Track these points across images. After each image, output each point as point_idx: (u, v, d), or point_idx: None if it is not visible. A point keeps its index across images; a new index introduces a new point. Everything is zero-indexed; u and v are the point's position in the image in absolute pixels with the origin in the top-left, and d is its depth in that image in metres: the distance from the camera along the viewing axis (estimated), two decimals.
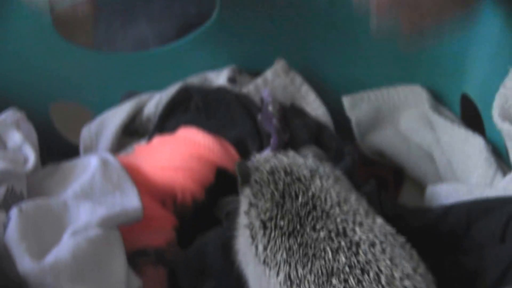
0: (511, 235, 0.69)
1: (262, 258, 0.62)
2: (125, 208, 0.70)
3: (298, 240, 0.60)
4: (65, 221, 0.68)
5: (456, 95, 0.95)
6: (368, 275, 0.57)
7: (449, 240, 0.73)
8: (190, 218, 0.80)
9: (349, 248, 0.59)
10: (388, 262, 0.58)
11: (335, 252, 0.58)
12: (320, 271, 0.58)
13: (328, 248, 0.59)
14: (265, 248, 0.61)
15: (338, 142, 0.88)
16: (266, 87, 0.96)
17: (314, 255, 0.59)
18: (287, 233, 0.61)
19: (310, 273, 0.58)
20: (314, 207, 0.62)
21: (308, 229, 0.60)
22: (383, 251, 0.59)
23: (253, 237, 0.63)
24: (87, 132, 0.94)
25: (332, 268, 0.58)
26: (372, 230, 0.61)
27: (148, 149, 0.85)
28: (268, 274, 0.61)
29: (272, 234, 0.61)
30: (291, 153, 0.69)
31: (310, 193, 0.63)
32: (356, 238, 0.60)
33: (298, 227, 0.61)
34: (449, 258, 0.70)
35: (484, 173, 0.82)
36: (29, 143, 0.79)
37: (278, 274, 0.60)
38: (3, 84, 0.98)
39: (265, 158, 0.68)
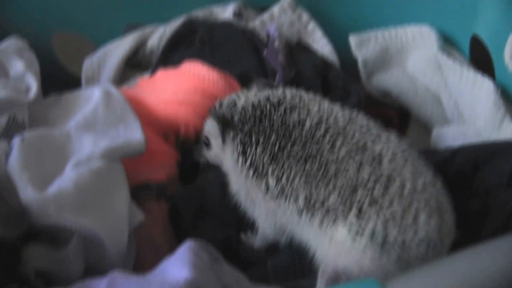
0: None
1: (275, 193, 0.62)
2: (128, 141, 0.69)
3: (317, 163, 0.60)
4: (68, 152, 0.67)
5: (466, 37, 0.93)
6: (393, 184, 0.58)
7: (455, 182, 0.72)
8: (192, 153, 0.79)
9: (372, 160, 0.59)
10: (411, 170, 0.60)
11: (359, 166, 0.59)
12: (344, 186, 0.58)
13: (350, 164, 0.59)
14: (278, 180, 0.61)
15: (345, 80, 0.86)
16: (273, 23, 0.94)
17: (335, 174, 0.59)
18: (302, 159, 0.60)
19: (334, 190, 0.59)
20: (328, 128, 0.62)
21: (326, 150, 0.60)
22: (406, 161, 0.60)
23: (259, 175, 0.63)
24: (89, 64, 0.93)
25: (357, 181, 0.58)
26: (390, 142, 0.62)
27: (152, 82, 0.84)
28: (285, 204, 0.61)
29: (286, 165, 0.61)
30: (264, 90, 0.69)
31: (317, 117, 0.63)
32: (378, 150, 0.60)
33: (315, 151, 0.60)
34: (455, 200, 0.70)
35: (492, 116, 0.81)
36: (31, 72, 0.78)
37: (297, 200, 0.60)
38: (3, 13, 0.96)
39: (232, 101, 0.68)
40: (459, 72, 0.87)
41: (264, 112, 0.64)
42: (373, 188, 0.58)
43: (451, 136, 0.81)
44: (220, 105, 0.67)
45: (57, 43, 0.98)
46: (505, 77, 0.83)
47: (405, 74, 0.92)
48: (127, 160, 0.69)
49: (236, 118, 0.65)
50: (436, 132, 0.84)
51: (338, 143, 0.60)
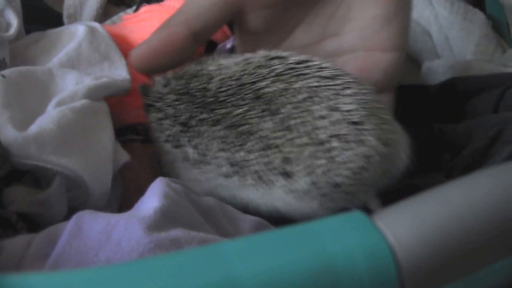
0: (504, 106, 0.69)
1: (195, 160, 0.60)
2: (113, 78, 0.67)
3: (227, 126, 0.57)
4: (51, 90, 0.65)
5: None
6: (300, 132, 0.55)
7: (443, 114, 0.72)
8: None
9: (274, 113, 0.56)
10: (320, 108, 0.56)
11: (261, 120, 0.56)
12: (259, 146, 0.56)
13: (257, 120, 0.56)
14: (196, 149, 0.60)
15: None
16: None
17: (248, 134, 0.57)
18: (212, 124, 0.58)
19: (252, 151, 0.56)
20: (229, 88, 0.59)
21: (233, 109, 0.58)
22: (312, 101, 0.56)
23: (177, 146, 0.61)
24: (71, 0, 0.91)
25: (268, 138, 0.56)
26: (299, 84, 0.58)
27: (136, 19, 0.82)
28: (209, 172, 0.60)
29: (199, 132, 0.59)
30: None
31: (218, 77, 0.60)
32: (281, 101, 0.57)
33: (223, 111, 0.58)
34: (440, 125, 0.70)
35: (483, 50, 0.81)
36: (11, 8, 0.75)
37: (220, 166, 0.58)
38: None
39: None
40: (449, 5, 0.86)
41: (171, 85, 0.62)
42: (283, 145, 0.55)
43: (441, 69, 0.80)
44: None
45: None
46: (496, 9, 0.82)
47: None
48: (112, 100, 0.68)
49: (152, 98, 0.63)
50: (425, 65, 0.83)
51: (241, 102, 0.58)
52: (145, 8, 0.83)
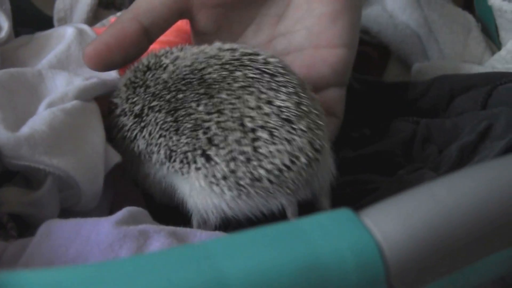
0: (492, 103, 0.69)
1: (144, 152, 0.61)
2: (103, 79, 0.67)
3: (169, 108, 0.58)
4: (41, 91, 0.65)
5: None
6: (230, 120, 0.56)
7: (430, 111, 0.72)
8: None
9: (208, 97, 0.57)
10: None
11: (196, 105, 0.57)
12: (189, 130, 0.57)
13: (191, 106, 0.57)
14: (144, 138, 0.60)
15: None
16: None
17: (185, 114, 0.57)
18: (157, 111, 0.59)
19: (182, 136, 0.57)
20: (179, 74, 0.60)
21: (175, 93, 0.59)
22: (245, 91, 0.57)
23: (132, 140, 0.62)
24: (61, 3, 0.91)
25: (196, 123, 0.56)
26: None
27: None
28: (155, 162, 0.60)
29: (149, 119, 0.60)
30: None
31: (172, 68, 0.61)
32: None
33: (168, 96, 0.59)
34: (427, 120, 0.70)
35: (473, 52, 0.81)
36: (1, 11, 0.75)
37: (159, 152, 0.59)
38: None
39: None
40: (439, 7, 0.86)
41: (127, 80, 0.63)
42: (209, 128, 0.56)
43: (430, 71, 0.80)
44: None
45: None
46: (485, 12, 0.83)
47: (385, 10, 0.91)
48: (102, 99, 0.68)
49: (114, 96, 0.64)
50: (416, 67, 0.83)
51: (184, 87, 0.59)
52: None
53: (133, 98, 0.61)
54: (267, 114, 0.55)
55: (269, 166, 0.54)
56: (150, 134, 0.59)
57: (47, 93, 0.65)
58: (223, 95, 0.56)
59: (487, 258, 0.36)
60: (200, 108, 0.56)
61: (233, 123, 0.55)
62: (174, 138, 0.57)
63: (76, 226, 0.51)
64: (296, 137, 0.54)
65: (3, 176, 0.59)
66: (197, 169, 0.56)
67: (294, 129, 0.55)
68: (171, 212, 0.63)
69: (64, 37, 0.73)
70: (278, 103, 0.55)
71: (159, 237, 0.50)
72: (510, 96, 0.68)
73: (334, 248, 0.33)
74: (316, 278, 0.33)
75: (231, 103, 0.56)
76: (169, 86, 0.59)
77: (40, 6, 0.96)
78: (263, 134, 0.54)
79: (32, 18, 0.91)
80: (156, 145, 0.59)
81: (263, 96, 0.56)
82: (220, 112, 0.56)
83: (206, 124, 0.56)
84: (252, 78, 0.57)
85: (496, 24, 0.81)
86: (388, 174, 0.65)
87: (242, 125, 0.55)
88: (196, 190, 0.57)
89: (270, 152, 0.54)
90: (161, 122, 0.58)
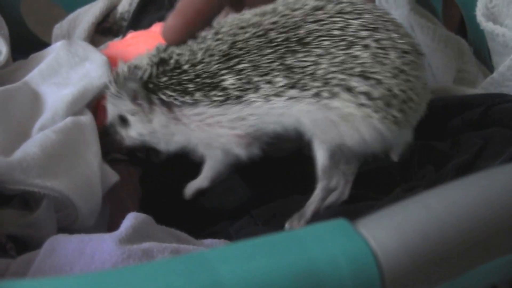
0: (487, 123, 0.70)
1: (240, 89, 0.59)
2: (90, 81, 0.68)
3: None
4: (33, 111, 0.66)
5: None
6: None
7: (426, 132, 0.73)
8: None
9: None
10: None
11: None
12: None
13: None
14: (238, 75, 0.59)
15: None
16: None
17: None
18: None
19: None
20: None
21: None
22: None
23: (215, 86, 0.60)
24: (59, 30, 0.92)
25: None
26: None
27: (122, 43, 0.84)
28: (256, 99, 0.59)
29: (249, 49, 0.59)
30: None
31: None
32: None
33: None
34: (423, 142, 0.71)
35: (465, 76, 0.82)
36: (0, 36, 0.76)
37: (272, 82, 0.58)
38: None
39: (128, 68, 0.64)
40: (432, 32, 0.87)
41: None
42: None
43: None
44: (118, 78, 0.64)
45: (26, 10, 0.97)
46: (477, 36, 0.84)
47: None
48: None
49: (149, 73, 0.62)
50: None
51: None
52: (131, 35, 0.84)
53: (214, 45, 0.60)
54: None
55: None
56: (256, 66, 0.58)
57: (39, 112, 0.66)
58: None
59: (480, 267, 0.36)
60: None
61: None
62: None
63: (80, 244, 0.51)
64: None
65: (1, 198, 0.59)
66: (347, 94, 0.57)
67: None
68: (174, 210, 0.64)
69: (53, 49, 0.73)
70: None
71: (163, 256, 0.51)
72: (504, 116, 0.68)
73: (330, 256, 0.34)
74: (312, 285, 0.33)
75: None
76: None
77: (38, 33, 0.97)
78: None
79: (30, 45, 0.92)
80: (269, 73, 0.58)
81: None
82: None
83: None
84: None
85: (489, 48, 0.82)
86: (384, 193, 0.66)
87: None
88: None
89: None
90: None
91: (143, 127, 0.63)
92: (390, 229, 0.35)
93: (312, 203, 0.61)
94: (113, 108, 0.64)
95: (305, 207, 0.61)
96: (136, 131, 0.64)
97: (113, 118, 0.65)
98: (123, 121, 0.64)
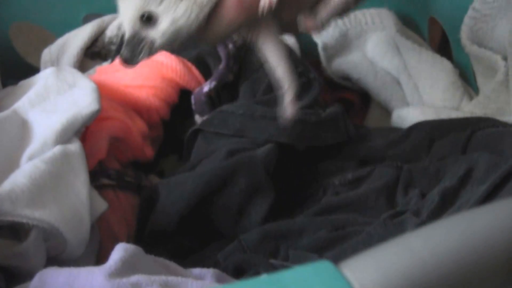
0: (472, 147, 0.71)
1: None
2: (79, 110, 0.68)
3: None
4: (23, 141, 0.66)
5: (424, 18, 0.94)
6: None
7: (411, 156, 0.73)
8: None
9: None
10: None
11: None
12: None
13: None
14: None
15: (304, 67, 0.86)
16: None
17: None
18: None
19: None
20: None
21: None
22: None
23: None
24: (47, 54, 0.92)
25: None
26: None
27: (111, 68, 0.84)
28: None
29: None
30: None
31: None
32: None
33: None
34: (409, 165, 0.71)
35: (451, 97, 0.82)
36: None
37: None
38: None
39: None
40: (417, 54, 0.88)
41: None
42: None
43: (411, 116, 0.82)
44: None
45: (15, 34, 0.97)
46: (462, 58, 0.84)
47: (365, 57, 0.92)
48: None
49: None
50: (396, 113, 0.85)
51: None
52: (120, 59, 0.84)
53: None
54: None
55: None
56: None
57: (28, 140, 0.66)
58: None
59: None
60: None
61: None
62: None
63: (69, 278, 0.51)
64: None
65: None
66: None
67: None
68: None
69: (42, 76, 0.74)
70: None
71: None
72: (488, 141, 0.69)
73: None
74: None
75: None
76: None
77: (27, 58, 0.98)
78: None
79: (20, 70, 0.92)
80: None
81: None
82: None
83: None
84: None
85: (474, 70, 0.83)
86: (372, 215, 0.67)
87: None
88: None
89: None
90: None
91: (175, 10, 0.59)
92: (374, 272, 0.35)
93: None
94: (131, 12, 0.59)
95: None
96: (167, 20, 0.59)
97: (132, 28, 0.60)
98: (148, 19, 0.59)
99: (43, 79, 0.72)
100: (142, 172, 0.78)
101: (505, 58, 0.77)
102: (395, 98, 0.88)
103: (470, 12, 0.81)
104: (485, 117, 0.73)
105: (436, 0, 0.91)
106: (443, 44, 0.91)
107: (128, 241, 0.66)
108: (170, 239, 0.68)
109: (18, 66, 0.97)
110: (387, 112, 0.89)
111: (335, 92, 0.94)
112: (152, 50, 0.60)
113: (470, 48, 0.80)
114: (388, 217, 0.64)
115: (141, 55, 0.59)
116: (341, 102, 0.86)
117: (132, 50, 0.59)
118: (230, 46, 0.84)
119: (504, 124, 0.71)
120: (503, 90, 0.76)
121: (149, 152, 0.78)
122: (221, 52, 0.83)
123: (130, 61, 0.60)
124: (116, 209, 0.71)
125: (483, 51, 0.79)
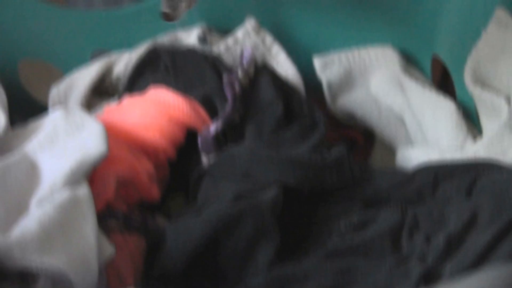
0: (477, 191, 0.70)
1: None
2: (87, 152, 0.68)
3: None
4: (32, 184, 0.66)
5: (427, 57, 0.95)
6: None
7: (416, 198, 0.74)
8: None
9: None
10: None
11: None
12: None
13: None
14: None
15: (309, 107, 0.87)
16: (240, 46, 0.95)
17: None
18: None
19: None
20: None
21: None
22: None
23: None
24: (55, 92, 0.93)
25: None
26: None
27: (118, 109, 0.85)
28: None
29: None
30: None
31: None
32: None
33: None
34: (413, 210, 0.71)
35: (455, 137, 0.82)
36: None
37: None
38: None
39: None
40: (421, 93, 0.88)
41: None
42: None
43: (415, 157, 0.82)
44: None
45: (23, 72, 0.98)
46: (466, 97, 0.85)
47: (369, 95, 0.93)
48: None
49: None
50: (400, 154, 0.85)
51: None
52: (127, 101, 0.85)
53: None
54: None
55: None
56: None
57: (37, 183, 0.66)
58: None
59: None
60: None
61: None
62: None
63: None
64: None
65: None
66: None
67: None
68: None
69: (51, 118, 0.75)
70: None
71: None
72: (492, 186, 0.69)
73: None
74: None
75: None
76: None
77: (35, 96, 0.98)
78: None
79: (28, 108, 0.93)
80: None
81: None
82: None
83: None
84: None
85: (477, 110, 0.83)
86: (376, 259, 0.67)
87: None
88: None
89: None
90: None
91: None
92: None
93: None
94: None
95: None
96: None
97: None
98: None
99: (52, 122, 0.73)
100: (148, 211, 0.79)
101: (508, 100, 0.78)
102: (399, 136, 0.89)
103: (473, 53, 0.81)
104: (489, 162, 0.73)
105: (440, 39, 0.92)
106: (447, 83, 0.92)
107: (135, 283, 0.67)
108: (177, 282, 0.68)
109: (25, 102, 0.98)
110: (391, 150, 0.89)
111: (339, 129, 0.95)
112: (191, 1, 0.60)
113: (474, 89, 0.80)
114: (395, 263, 0.64)
115: (182, 8, 0.59)
116: (345, 140, 0.86)
117: (172, 4, 0.60)
118: (237, 87, 0.85)
119: (508, 170, 0.71)
120: (507, 132, 0.77)
121: (155, 193, 0.78)
122: (228, 93, 0.84)
123: (171, 15, 0.60)
124: (123, 251, 0.71)
125: (486, 94, 0.79)
